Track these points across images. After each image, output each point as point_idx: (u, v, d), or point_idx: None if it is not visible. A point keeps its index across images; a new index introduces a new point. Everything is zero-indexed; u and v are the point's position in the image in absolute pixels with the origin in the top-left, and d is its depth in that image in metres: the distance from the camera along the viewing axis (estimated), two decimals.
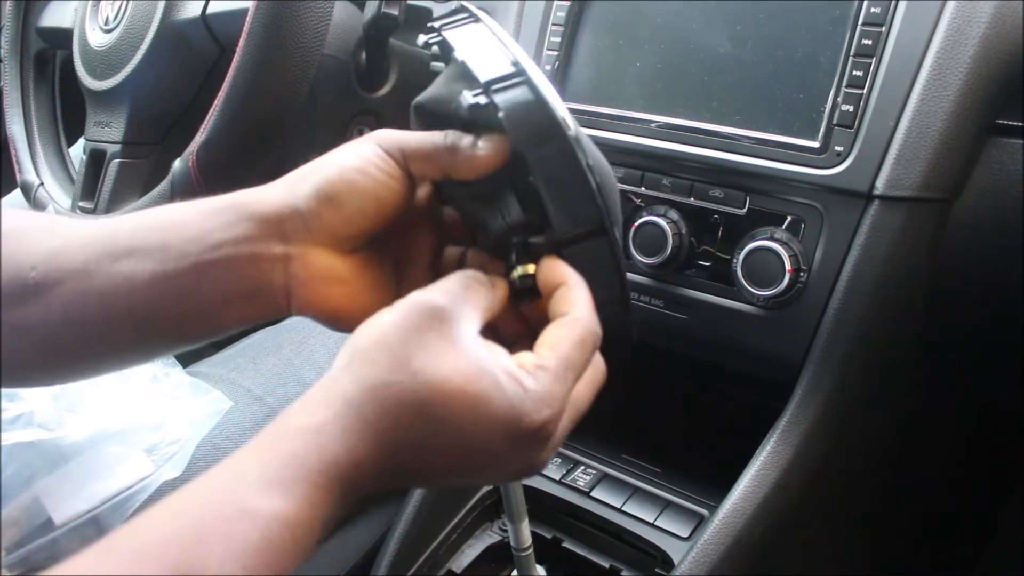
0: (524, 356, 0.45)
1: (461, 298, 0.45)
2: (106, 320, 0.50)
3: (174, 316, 0.50)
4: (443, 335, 0.44)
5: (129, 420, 0.81)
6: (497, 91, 0.45)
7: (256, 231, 0.49)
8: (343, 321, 0.51)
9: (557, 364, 0.45)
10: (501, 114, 0.45)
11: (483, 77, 0.46)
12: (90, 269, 0.50)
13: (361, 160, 0.49)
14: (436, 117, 0.51)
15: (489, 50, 0.48)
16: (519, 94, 0.45)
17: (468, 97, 0.46)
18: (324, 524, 0.41)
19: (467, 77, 0.48)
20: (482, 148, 0.48)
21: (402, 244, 0.54)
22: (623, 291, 0.50)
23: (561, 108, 0.45)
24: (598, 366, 0.51)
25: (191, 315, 0.51)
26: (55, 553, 0.70)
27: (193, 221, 0.49)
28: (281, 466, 0.40)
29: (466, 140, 0.49)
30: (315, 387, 0.44)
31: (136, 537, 0.38)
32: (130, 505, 0.75)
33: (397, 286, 0.53)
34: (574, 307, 0.47)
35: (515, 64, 0.46)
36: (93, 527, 0.73)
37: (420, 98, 0.53)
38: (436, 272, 0.54)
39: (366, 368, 0.43)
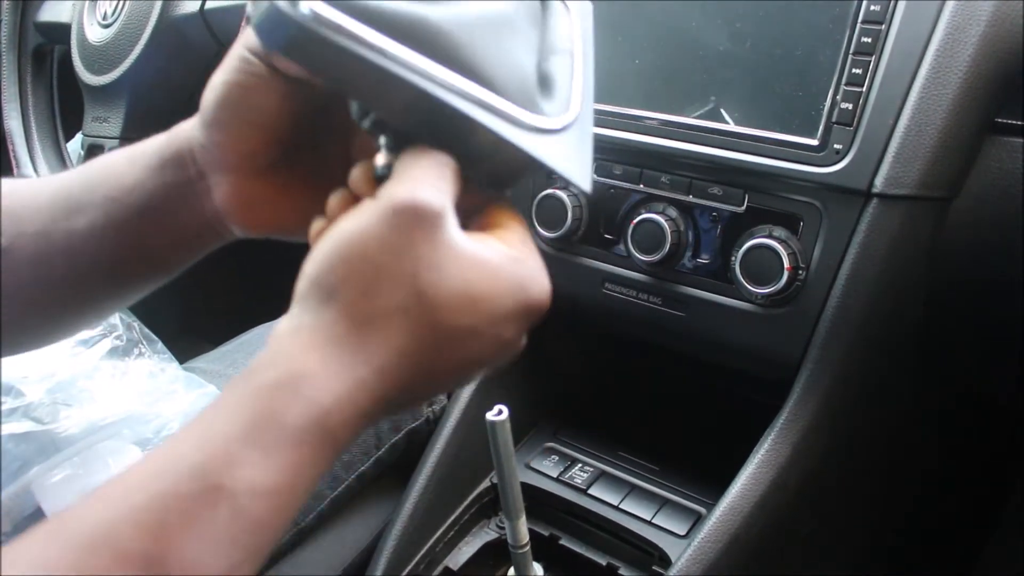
0: (503, 235, 0.43)
1: (443, 191, 0.40)
2: (74, 273, 0.52)
3: (137, 259, 0.52)
4: (439, 242, 0.39)
5: (123, 414, 0.81)
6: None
7: (179, 172, 0.49)
8: (292, 234, 0.50)
9: (522, 229, 0.44)
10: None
11: None
12: (49, 229, 0.51)
13: (231, 72, 0.47)
14: None
15: None
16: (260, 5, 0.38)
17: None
18: (316, 483, 0.38)
19: None
20: None
21: (319, 154, 0.51)
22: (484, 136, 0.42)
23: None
24: None
25: (153, 256, 0.53)
26: None
27: (128, 171, 0.50)
28: (255, 426, 0.36)
29: None
30: (283, 328, 0.39)
31: (86, 520, 0.34)
32: None
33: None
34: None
35: None
36: None
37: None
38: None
39: (352, 295, 0.38)
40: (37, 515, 0.72)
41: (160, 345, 0.92)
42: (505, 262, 0.41)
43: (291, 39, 0.38)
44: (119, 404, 0.82)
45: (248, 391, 0.37)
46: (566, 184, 0.83)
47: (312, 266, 0.40)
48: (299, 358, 0.37)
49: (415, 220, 0.38)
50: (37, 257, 0.52)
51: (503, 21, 0.43)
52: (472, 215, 0.44)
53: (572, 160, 0.45)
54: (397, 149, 0.43)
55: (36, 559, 0.32)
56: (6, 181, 0.54)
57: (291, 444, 0.36)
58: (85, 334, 1.06)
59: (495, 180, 0.44)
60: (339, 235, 0.39)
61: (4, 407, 0.80)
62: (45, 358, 1.00)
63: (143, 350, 0.90)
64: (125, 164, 0.51)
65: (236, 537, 0.34)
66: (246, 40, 0.46)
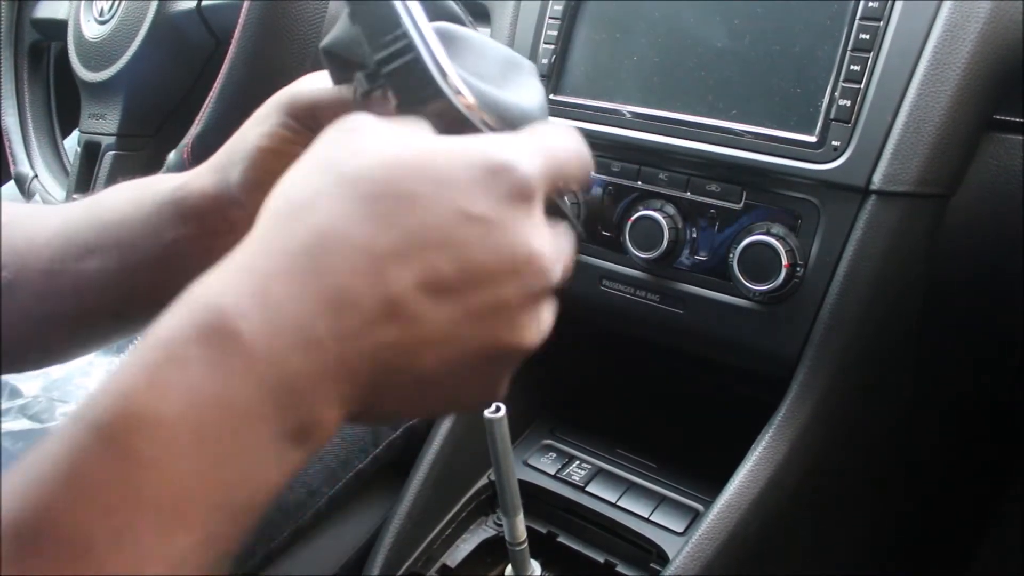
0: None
1: (374, 116, 0.37)
2: (82, 313, 0.52)
3: (147, 303, 0.50)
4: (360, 131, 0.36)
5: None
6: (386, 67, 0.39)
7: (203, 226, 0.49)
8: None
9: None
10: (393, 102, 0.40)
11: (373, 52, 0.39)
12: (56, 269, 0.51)
13: (275, 140, 0.47)
14: (349, 62, 0.45)
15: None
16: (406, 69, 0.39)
17: (362, 82, 0.40)
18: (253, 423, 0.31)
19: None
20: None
21: None
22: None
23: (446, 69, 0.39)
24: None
25: (164, 301, 0.51)
26: None
27: (142, 218, 0.50)
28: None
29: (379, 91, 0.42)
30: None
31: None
32: None
33: None
34: None
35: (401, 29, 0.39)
36: None
37: (326, 42, 0.46)
38: None
39: (275, 201, 0.35)
40: None
41: None
42: (461, 140, 0.36)
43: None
44: None
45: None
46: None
47: None
48: (232, 288, 0.33)
49: (341, 125, 0.36)
50: (43, 294, 0.52)
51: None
52: None
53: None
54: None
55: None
56: (6, 207, 0.54)
57: (175, 359, 0.30)
58: None
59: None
60: None
61: (2, 406, 0.80)
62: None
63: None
64: (137, 210, 0.51)
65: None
66: (287, 104, 0.47)
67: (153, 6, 0.93)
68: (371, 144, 0.35)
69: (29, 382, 0.92)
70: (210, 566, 0.30)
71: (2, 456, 0.77)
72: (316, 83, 0.48)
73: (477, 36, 0.46)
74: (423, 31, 0.39)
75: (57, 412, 0.86)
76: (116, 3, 0.98)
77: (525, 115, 0.43)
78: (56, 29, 1.10)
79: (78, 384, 0.90)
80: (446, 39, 0.43)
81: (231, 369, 0.30)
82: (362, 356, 0.32)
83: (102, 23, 0.99)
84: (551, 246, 0.37)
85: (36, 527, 0.28)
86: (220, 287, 0.32)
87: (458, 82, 0.40)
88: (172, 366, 0.30)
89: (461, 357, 0.35)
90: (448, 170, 0.34)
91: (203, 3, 0.91)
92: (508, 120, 0.42)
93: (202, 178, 0.50)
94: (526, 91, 0.45)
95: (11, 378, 0.90)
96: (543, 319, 0.38)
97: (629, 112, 0.81)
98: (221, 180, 0.50)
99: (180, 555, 0.29)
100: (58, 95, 1.17)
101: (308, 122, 0.47)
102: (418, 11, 0.39)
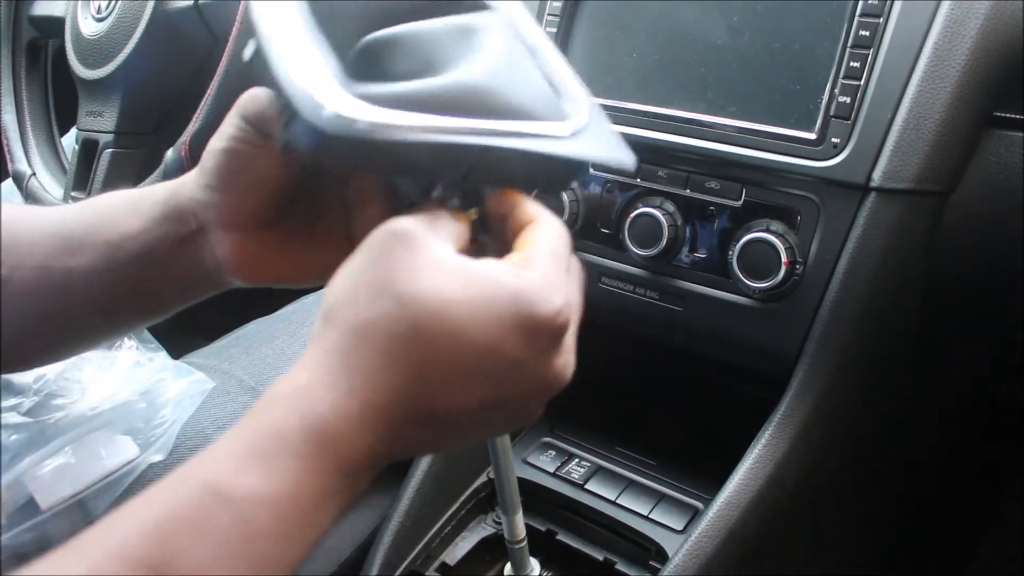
0: (509, 257, 0.42)
1: (427, 223, 0.41)
2: (71, 309, 0.54)
3: (133, 302, 0.55)
4: (419, 253, 0.40)
5: (113, 404, 0.81)
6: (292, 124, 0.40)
7: (180, 226, 0.51)
8: (293, 283, 0.52)
9: (547, 254, 0.42)
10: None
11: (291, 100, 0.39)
12: (48, 264, 0.53)
13: (227, 140, 0.48)
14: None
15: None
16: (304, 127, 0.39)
17: (279, 134, 0.42)
18: (322, 500, 0.37)
19: None
20: None
21: (316, 206, 0.52)
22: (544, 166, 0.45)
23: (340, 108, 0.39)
24: (577, 265, 0.47)
25: (148, 299, 0.55)
26: (43, 535, 0.70)
27: (130, 219, 0.52)
28: (255, 439, 0.37)
29: None
30: (301, 355, 0.41)
31: (108, 533, 0.35)
32: (116, 488, 0.74)
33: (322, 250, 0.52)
34: (536, 214, 0.45)
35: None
36: (79, 511, 0.73)
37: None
38: (351, 237, 0.50)
39: (345, 311, 0.40)
40: (30, 506, 0.72)
41: (147, 335, 0.92)
42: (493, 271, 0.40)
43: (349, 151, 0.40)
44: (109, 394, 0.82)
45: (262, 404, 0.39)
46: (612, 170, 0.82)
47: (326, 289, 0.42)
48: (297, 375, 0.39)
49: (392, 238, 0.40)
50: (36, 290, 0.53)
51: (509, 51, 0.45)
52: None
53: (609, 143, 0.47)
54: (469, 205, 0.46)
55: (57, 571, 0.34)
56: (6, 207, 0.55)
57: (289, 452, 0.37)
58: None
59: (551, 187, 0.46)
60: (346, 263, 0.42)
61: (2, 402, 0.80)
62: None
63: (130, 340, 0.90)
64: (127, 211, 0.53)
65: (238, 545, 0.35)
66: (242, 108, 0.48)
67: (151, 4, 0.93)
68: (423, 267, 0.39)
69: (23, 375, 0.92)
70: None
71: (2, 454, 0.77)
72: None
73: (412, 27, 0.44)
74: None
75: (52, 405, 0.86)
76: (114, 0, 0.98)
77: (474, 91, 0.42)
78: (54, 26, 1.10)
79: (71, 379, 0.90)
80: (369, 56, 0.43)
81: (322, 460, 0.38)
82: (405, 442, 0.40)
83: (100, 20, 0.99)
84: (571, 359, 0.45)
85: (138, 555, 0.34)
86: (317, 395, 0.38)
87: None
88: (284, 457, 0.37)
89: (485, 433, 0.45)
90: (493, 320, 0.39)
91: (201, 1, 0.91)
92: (459, 103, 0.41)
93: (187, 181, 0.52)
94: (475, 60, 0.43)
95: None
96: (569, 361, 0.44)
97: (629, 109, 0.81)
98: (195, 181, 0.51)
99: None
100: (56, 92, 1.17)
101: (259, 125, 0.47)
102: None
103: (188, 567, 0.34)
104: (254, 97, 0.48)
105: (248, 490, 0.36)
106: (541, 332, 0.40)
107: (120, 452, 0.76)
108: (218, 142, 0.48)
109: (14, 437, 0.76)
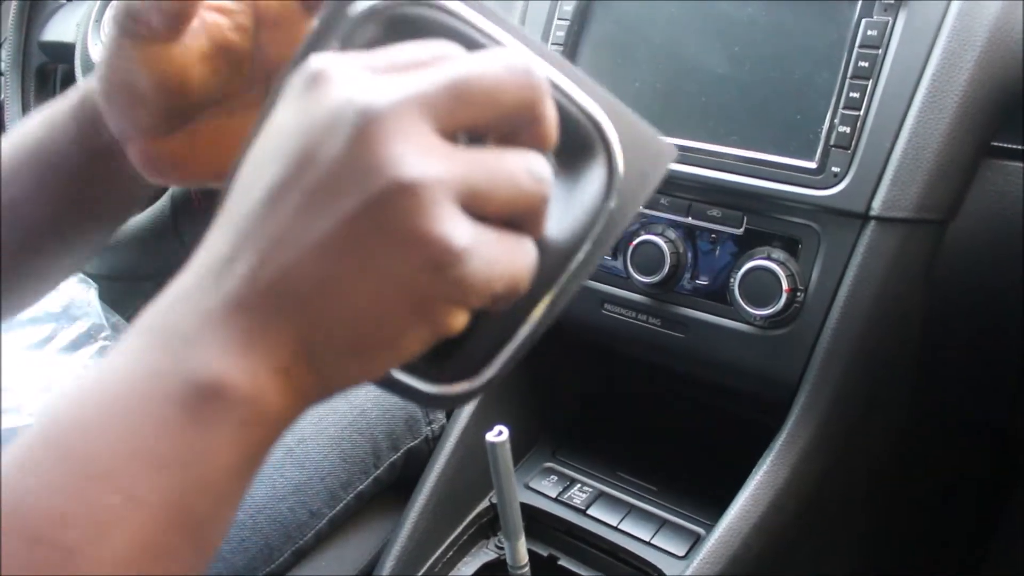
0: None
1: None
2: (22, 237, 0.54)
3: (79, 217, 0.55)
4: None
5: None
6: None
7: (95, 134, 0.50)
8: (211, 182, 0.51)
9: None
10: None
11: None
12: None
13: (107, 50, 0.47)
14: None
15: None
16: None
17: None
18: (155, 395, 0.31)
19: None
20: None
21: (224, 111, 0.50)
22: None
23: None
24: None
25: (93, 212, 0.55)
26: None
27: (50, 136, 0.52)
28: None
29: None
30: None
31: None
32: None
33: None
34: None
35: None
36: None
37: None
38: None
39: None
40: None
41: None
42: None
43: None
44: None
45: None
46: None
47: None
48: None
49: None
50: None
51: None
52: None
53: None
54: None
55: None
56: None
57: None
58: (72, 335, 1.07)
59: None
60: None
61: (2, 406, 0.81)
62: (35, 360, 1.00)
63: None
64: (45, 127, 0.53)
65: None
66: (117, 18, 0.46)
67: None
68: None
69: (26, 385, 0.92)
70: (172, 543, 0.31)
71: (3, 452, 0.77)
72: None
73: None
74: None
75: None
76: None
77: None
78: (63, 52, 1.11)
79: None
80: None
81: (137, 340, 0.33)
82: (241, 300, 0.32)
83: None
84: (439, 163, 0.31)
85: None
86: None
87: None
88: (101, 360, 0.33)
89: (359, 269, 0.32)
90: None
91: None
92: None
93: (93, 86, 0.51)
94: None
95: (7, 382, 0.91)
96: (444, 238, 0.31)
97: None
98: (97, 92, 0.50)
99: (104, 510, 0.30)
100: None
101: (130, 29, 0.46)
102: None
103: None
104: (124, 3, 0.46)
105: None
106: (346, 108, 0.31)
107: None
108: (104, 55, 0.47)
109: (13, 438, 0.76)
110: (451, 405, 0.38)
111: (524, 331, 0.36)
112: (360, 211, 0.31)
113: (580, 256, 0.37)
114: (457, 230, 0.31)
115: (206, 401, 0.31)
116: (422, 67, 0.33)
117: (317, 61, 0.33)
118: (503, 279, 0.32)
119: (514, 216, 0.33)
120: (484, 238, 0.32)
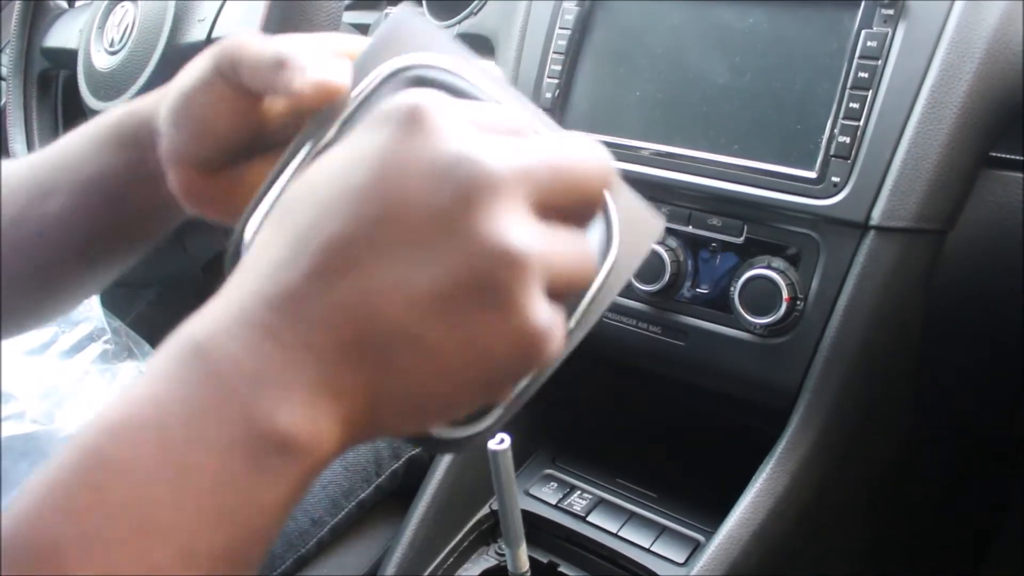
0: None
1: None
2: (51, 254, 0.54)
3: (109, 237, 0.54)
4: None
5: None
6: None
7: (138, 152, 0.50)
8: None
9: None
10: None
11: None
12: (25, 214, 0.53)
13: (196, 81, 0.46)
14: None
15: None
16: None
17: None
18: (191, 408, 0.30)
19: None
20: (312, 75, 0.39)
21: (268, 158, 0.50)
22: None
23: None
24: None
25: (124, 233, 0.54)
26: None
27: (91, 155, 0.52)
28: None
29: (300, 59, 0.40)
30: None
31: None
32: None
33: None
34: None
35: None
36: None
37: None
38: None
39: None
40: None
41: (148, 348, 0.92)
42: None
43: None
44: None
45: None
46: None
47: None
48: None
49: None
50: (16, 243, 0.53)
51: None
52: None
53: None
54: None
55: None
56: None
57: (150, 375, 0.31)
58: (73, 340, 1.07)
59: None
60: None
61: (3, 412, 0.81)
62: (36, 365, 1.01)
63: (134, 352, 0.91)
64: (86, 146, 0.52)
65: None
66: (218, 58, 0.46)
67: (163, 38, 0.94)
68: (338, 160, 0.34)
69: (27, 389, 0.92)
70: None
71: (6, 457, 0.77)
72: (249, 38, 0.46)
73: None
74: None
75: (56, 416, 0.87)
76: (127, 34, 0.99)
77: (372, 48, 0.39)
78: (66, 58, 1.11)
79: (75, 390, 0.91)
80: None
81: (193, 372, 0.30)
82: (323, 349, 0.31)
83: (112, 54, 1.00)
84: (537, 240, 0.31)
85: (10, 535, 0.28)
86: (198, 321, 0.32)
87: None
88: (143, 381, 0.31)
89: (441, 343, 0.31)
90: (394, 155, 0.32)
91: (213, 36, 0.92)
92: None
93: (144, 102, 0.51)
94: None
95: (8, 386, 0.91)
96: (537, 321, 0.31)
97: (632, 147, 0.82)
98: (153, 107, 0.50)
99: (155, 567, 0.28)
100: (66, 123, 1.18)
101: (226, 70, 0.45)
102: None
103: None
104: (232, 49, 0.45)
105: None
106: (458, 167, 0.30)
107: None
108: (189, 82, 0.46)
109: (21, 445, 0.77)
110: (455, 450, 0.39)
111: (526, 380, 0.38)
112: (463, 273, 0.30)
113: (576, 318, 0.38)
114: (546, 313, 0.31)
115: (271, 453, 0.30)
116: (517, 135, 0.33)
117: (417, 97, 0.32)
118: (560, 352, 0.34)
119: (567, 291, 0.33)
120: (557, 320, 0.32)
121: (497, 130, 0.33)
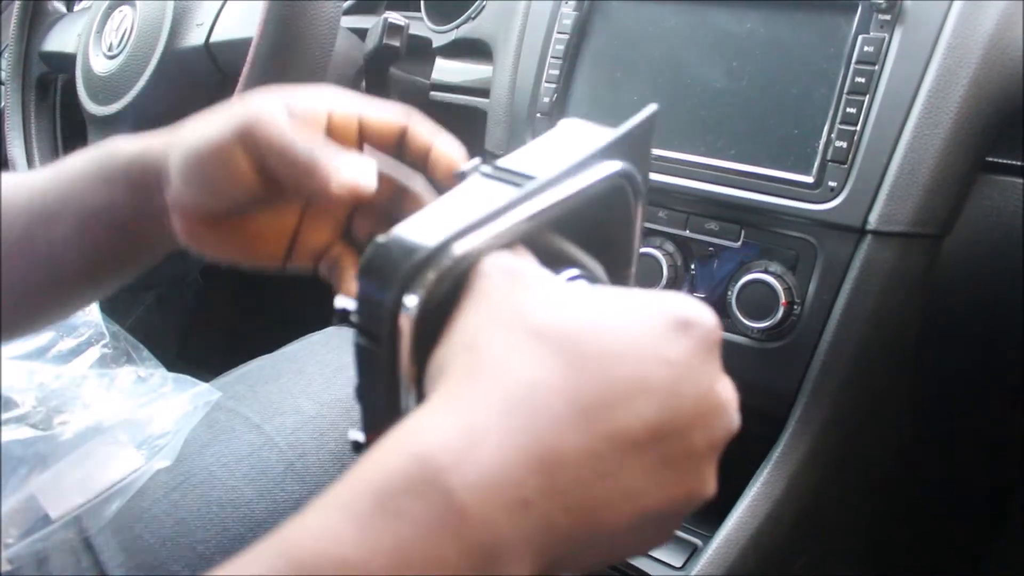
0: None
1: (519, 255, 0.38)
2: (56, 277, 0.56)
3: (112, 262, 0.56)
4: (537, 283, 0.36)
5: (118, 418, 0.82)
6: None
7: (145, 193, 0.52)
8: (235, 263, 0.53)
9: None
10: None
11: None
12: (31, 235, 0.55)
13: (212, 144, 0.47)
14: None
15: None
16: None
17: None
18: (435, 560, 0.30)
19: None
20: (345, 179, 0.43)
21: (272, 213, 0.52)
22: None
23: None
24: None
25: (127, 259, 0.57)
26: (51, 543, 0.71)
27: (99, 189, 0.53)
28: (344, 494, 0.31)
29: (331, 161, 0.44)
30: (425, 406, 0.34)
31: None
32: (124, 495, 0.75)
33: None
34: None
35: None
36: (87, 519, 0.74)
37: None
38: (289, 252, 0.53)
39: (458, 354, 0.34)
40: (44, 521, 0.73)
41: (146, 353, 0.92)
42: (623, 292, 0.37)
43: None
44: (113, 408, 0.83)
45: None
46: None
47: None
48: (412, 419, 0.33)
49: (505, 271, 0.36)
50: (21, 263, 0.55)
51: None
52: None
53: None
54: None
55: None
56: None
57: (387, 511, 0.30)
58: (71, 344, 1.07)
59: None
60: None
61: (1, 416, 0.81)
62: (33, 369, 1.00)
63: (132, 356, 0.91)
64: (94, 179, 0.54)
65: None
66: (245, 129, 0.46)
67: (162, 42, 0.94)
68: (550, 296, 0.35)
69: (24, 394, 0.92)
70: None
71: (6, 463, 0.77)
72: (279, 122, 0.47)
73: None
74: None
75: (55, 421, 0.87)
76: (125, 38, 0.99)
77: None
78: (64, 63, 1.11)
79: (73, 395, 0.91)
80: None
81: (442, 527, 0.29)
82: (568, 512, 0.31)
83: (111, 58, 1.00)
84: (733, 394, 0.38)
85: None
86: (430, 437, 0.31)
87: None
88: (383, 518, 0.30)
89: (655, 506, 0.34)
90: (642, 322, 0.35)
91: (211, 40, 0.92)
92: None
93: (154, 144, 0.52)
94: None
95: (5, 390, 0.91)
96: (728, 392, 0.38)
97: None
98: (163, 152, 0.51)
99: None
100: (64, 127, 1.18)
101: (253, 150, 0.46)
102: None
103: None
104: (261, 127, 0.46)
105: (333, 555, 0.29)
106: (694, 328, 0.35)
107: (127, 462, 0.77)
108: (209, 143, 0.47)
109: (20, 451, 0.77)
110: None
111: None
112: (679, 501, 0.35)
113: None
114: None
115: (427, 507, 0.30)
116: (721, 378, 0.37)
117: (698, 312, 0.36)
118: None
119: None
120: None
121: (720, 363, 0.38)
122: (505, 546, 0.30)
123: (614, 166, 0.41)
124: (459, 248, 0.36)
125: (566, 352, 0.33)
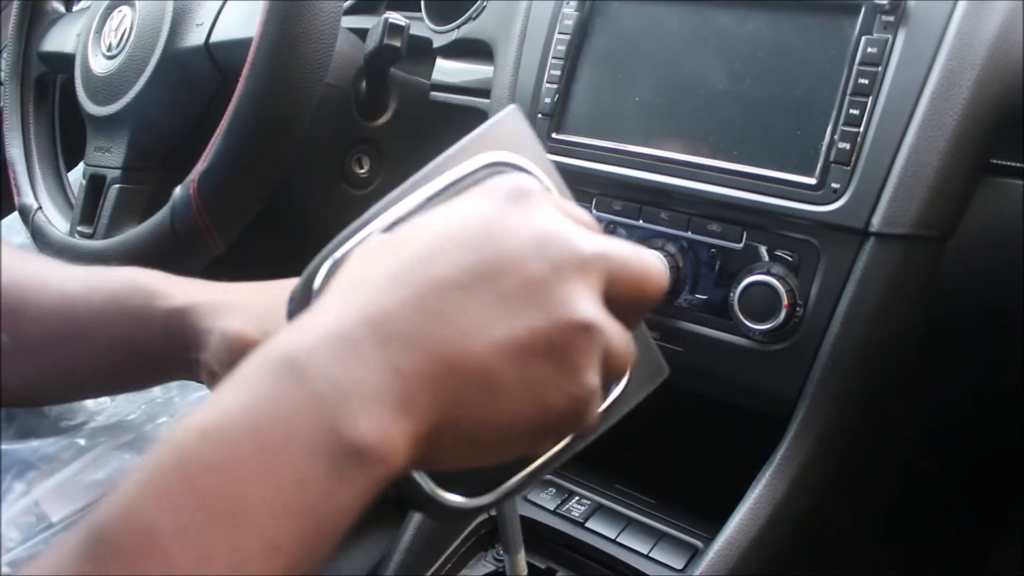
0: None
1: None
2: (75, 379, 0.59)
3: (134, 384, 0.61)
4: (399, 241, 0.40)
5: (123, 422, 0.81)
6: None
7: (180, 349, 0.56)
8: None
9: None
10: None
11: None
12: (52, 346, 0.57)
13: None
14: None
15: None
16: None
17: None
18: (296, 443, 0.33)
19: None
20: None
21: None
22: None
23: None
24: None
25: (148, 382, 0.62)
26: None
27: (134, 328, 0.57)
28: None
29: None
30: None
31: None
32: None
33: None
34: None
35: None
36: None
37: None
38: None
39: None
40: (47, 527, 0.73)
41: None
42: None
43: None
44: (118, 413, 0.83)
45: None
46: None
47: None
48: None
49: (376, 242, 0.41)
50: (39, 364, 0.58)
51: None
52: None
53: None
54: None
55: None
56: (6, 260, 0.58)
57: (240, 386, 0.34)
58: None
59: None
60: None
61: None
62: None
63: None
64: (130, 316, 0.57)
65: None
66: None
67: (161, 43, 0.94)
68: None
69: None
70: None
71: (8, 469, 0.77)
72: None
73: None
74: None
75: (60, 426, 0.87)
76: (125, 39, 0.99)
77: None
78: (63, 63, 1.11)
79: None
80: None
81: (286, 384, 0.33)
82: (410, 350, 0.34)
83: (110, 58, 1.00)
84: (566, 223, 0.38)
85: (108, 525, 0.31)
86: (283, 336, 0.35)
87: None
88: (233, 389, 0.33)
89: (514, 336, 0.35)
90: (460, 203, 0.39)
91: (211, 40, 0.92)
92: None
93: (194, 312, 0.55)
94: None
95: None
96: (591, 387, 0.37)
97: (631, 152, 0.82)
98: (206, 326, 0.55)
99: (243, 555, 0.31)
100: (63, 128, 1.18)
101: None
102: None
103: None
104: None
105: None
106: (502, 185, 0.39)
107: (129, 464, 0.77)
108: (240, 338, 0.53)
109: (21, 454, 0.76)
110: (451, 517, 0.43)
111: (554, 450, 0.45)
112: (543, 329, 0.35)
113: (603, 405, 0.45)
114: (597, 381, 0.37)
115: (350, 459, 0.33)
116: (596, 231, 0.39)
117: (523, 180, 0.39)
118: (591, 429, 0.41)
119: (607, 374, 0.39)
120: (599, 392, 0.38)
121: (582, 223, 0.39)
122: (344, 390, 0.33)
123: (485, 158, 0.44)
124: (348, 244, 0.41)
125: (394, 243, 0.38)
